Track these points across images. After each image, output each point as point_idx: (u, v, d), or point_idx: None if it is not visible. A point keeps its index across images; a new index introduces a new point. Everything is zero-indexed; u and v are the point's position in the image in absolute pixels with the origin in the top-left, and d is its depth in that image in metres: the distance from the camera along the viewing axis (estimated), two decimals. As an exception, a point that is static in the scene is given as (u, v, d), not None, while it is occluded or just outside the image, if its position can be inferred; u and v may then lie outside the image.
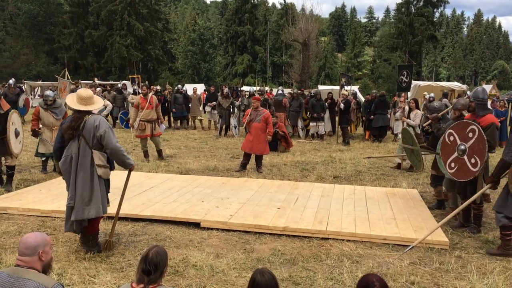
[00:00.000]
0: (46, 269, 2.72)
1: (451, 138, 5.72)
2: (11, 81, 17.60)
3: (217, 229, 5.69)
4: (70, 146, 4.67)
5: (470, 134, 5.44)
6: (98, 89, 17.31)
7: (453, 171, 5.66)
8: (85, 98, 4.69)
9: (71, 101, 4.72)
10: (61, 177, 4.97)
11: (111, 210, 5.12)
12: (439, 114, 6.75)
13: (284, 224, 5.67)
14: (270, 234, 5.56)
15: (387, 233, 5.45)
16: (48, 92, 8.46)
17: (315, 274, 4.42)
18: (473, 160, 5.41)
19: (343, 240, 5.34)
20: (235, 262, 4.68)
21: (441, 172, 6.25)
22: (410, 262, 4.75)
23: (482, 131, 5.30)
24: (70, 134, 4.64)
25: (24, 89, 20.77)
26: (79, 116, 4.67)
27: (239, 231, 5.63)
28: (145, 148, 10.31)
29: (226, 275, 4.35)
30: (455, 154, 5.63)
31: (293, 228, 5.58)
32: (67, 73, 16.57)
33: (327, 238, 5.40)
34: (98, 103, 4.83)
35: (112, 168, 4.92)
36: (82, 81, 23.45)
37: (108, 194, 4.97)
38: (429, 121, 6.90)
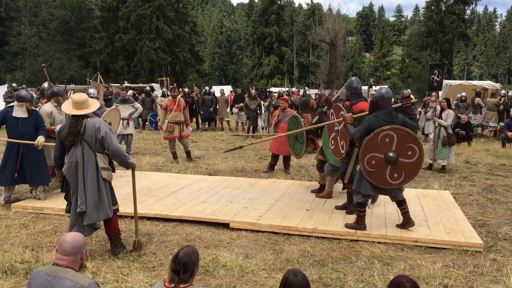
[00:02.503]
0: (80, 268, 2.79)
1: (332, 118, 6.43)
2: (45, 84, 18.11)
3: (246, 230, 5.72)
4: (73, 152, 4.62)
5: (341, 118, 5.95)
6: (130, 92, 17.59)
7: (332, 147, 6.46)
8: (79, 103, 4.61)
9: (67, 106, 4.69)
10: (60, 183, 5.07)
11: (142, 210, 5.21)
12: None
13: (313, 226, 5.65)
14: (299, 235, 5.55)
15: (418, 235, 5.35)
16: (92, 91, 8.62)
17: (345, 276, 4.38)
18: (342, 143, 6.10)
19: (373, 242, 5.28)
20: (265, 262, 4.69)
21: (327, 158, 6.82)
22: (443, 265, 4.65)
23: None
24: (71, 140, 4.59)
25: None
26: (76, 121, 4.61)
27: (268, 232, 5.64)
28: (174, 149, 10.44)
29: (255, 276, 4.36)
30: (333, 134, 6.33)
31: (322, 229, 5.56)
32: (99, 76, 16.96)
33: (357, 240, 5.35)
34: (93, 106, 4.72)
35: (113, 170, 4.92)
36: (112, 84, 23.93)
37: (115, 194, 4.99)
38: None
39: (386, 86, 5.81)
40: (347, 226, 5.57)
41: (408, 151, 5.24)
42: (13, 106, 6.74)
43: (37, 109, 7.27)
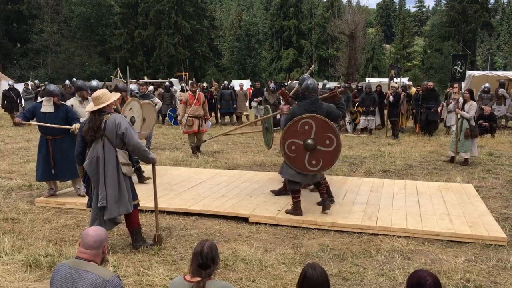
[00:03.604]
0: (102, 261, 2.84)
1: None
2: (68, 81, 18.43)
3: (265, 223, 5.73)
4: (94, 148, 4.67)
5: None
6: (150, 87, 17.77)
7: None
8: (96, 98, 4.65)
9: (90, 106, 4.75)
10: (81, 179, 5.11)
11: (162, 204, 5.26)
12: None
13: (333, 220, 5.62)
14: (318, 229, 5.53)
15: (440, 229, 5.28)
16: (133, 87, 8.67)
17: (365, 270, 4.36)
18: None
19: (393, 236, 5.23)
20: (284, 256, 4.70)
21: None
22: (465, 259, 4.58)
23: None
24: (92, 135, 4.64)
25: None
26: (95, 117, 4.65)
27: (287, 226, 5.64)
28: (193, 144, 10.50)
29: (275, 270, 4.37)
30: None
31: (341, 223, 5.53)
32: (119, 72, 17.13)
33: (377, 234, 5.31)
34: (111, 99, 4.73)
35: (133, 165, 4.96)
36: (132, 80, 24.14)
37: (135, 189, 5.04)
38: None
39: (311, 78, 5.96)
40: (287, 211, 5.86)
41: (326, 140, 5.52)
42: (42, 101, 6.78)
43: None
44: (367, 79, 26.97)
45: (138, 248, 4.88)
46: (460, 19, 51.33)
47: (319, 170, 5.62)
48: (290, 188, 5.86)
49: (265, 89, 16.75)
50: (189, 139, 10.63)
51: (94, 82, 8.60)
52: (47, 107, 6.60)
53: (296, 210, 5.77)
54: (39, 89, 18.30)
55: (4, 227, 5.64)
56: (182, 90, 17.32)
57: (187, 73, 22.34)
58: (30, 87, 18.22)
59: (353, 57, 37.88)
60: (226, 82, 18.71)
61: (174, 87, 19.85)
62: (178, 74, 22.84)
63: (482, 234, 5.10)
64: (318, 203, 6.10)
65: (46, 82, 19.75)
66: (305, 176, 5.68)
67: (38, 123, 6.63)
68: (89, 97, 6.83)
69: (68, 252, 4.75)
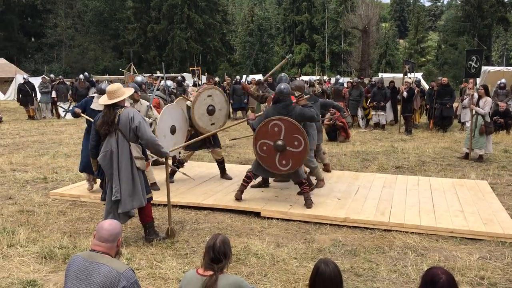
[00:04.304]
0: (116, 254, 2.86)
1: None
2: (82, 76, 18.62)
3: (277, 218, 5.73)
4: (108, 141, 4.70)
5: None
6: (163, 82, 17.80)
7: None
8: (111, 92, 4.67)
9: (103, 99, 4.75)
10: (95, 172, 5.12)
11: (175, 199, 5.28)
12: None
13: (345, 215, 5.60)
14: (331, 224, 5.52)
15: (454, 225, 5.23)
16: (169, 83, 8.61)
17: (378, 266, 4.34)
18: None
19: (406, 232, 5.19)
20: (296, 251, 4.69)
21: None
22: (480, 257, 4.54)
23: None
24: (106, 129, 4.66)
25: (96, 83, 21.69)
26: (109, 111, 4.66)
27: (299, 221, 5.64)
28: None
29: (287, 264, 4.37)
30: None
31: (354, 219, 5.51)
32: (133, 67, 17.22)
33: (390, 230, 5.28)
34: (126, 94, 4.73)
35: (147, 159, 4.98)
36: (145, 74, 24.26)
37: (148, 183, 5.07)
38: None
39: (286, 83, 6.13)
40: (236, 196, 6.20)
41: (294, 141, 5.72)
42: (93, 96, 6.76)
43: None
44: (380, 74, 26.76)
45: (151, 241, 4.92)
46: (476, 13, 50.51)
47: (289, 170, 5.85)
48: (247, 175, 6.19)
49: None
50: None
51: (139, 78, 8.61)
52: (97, 104, 6.41)
53: (240, 192, 6.19)
54: (54, 83, 18.47)
55: (19, 219, 5.73)
56: (195, 85, 17.33)
57: (199, 68, 22.42)
58: (47, 81, 18.38)
59: (366, 52, 37.56)
60: (238, 77, 18.70)
61: (187, 81, 19.90)
62: (190, 68, 22.94)
63: (497, 231, 5.05)
64: (298, 193, 6.37)
65: (60, 76, 19.93)
66: (268, 172, 6.10)
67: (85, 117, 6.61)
68: (140, 99, 6.79)
69: (82, 245, 4.81)
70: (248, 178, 6.21)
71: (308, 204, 5.89)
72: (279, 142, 5.76)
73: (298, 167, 5.87)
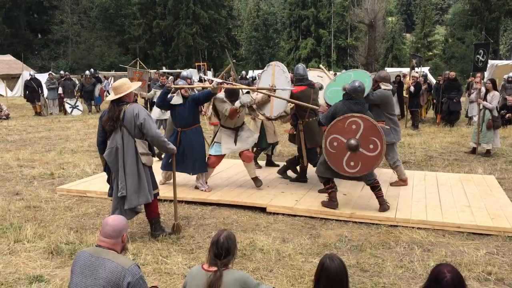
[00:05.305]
0: (123, 250, 2.87)
1: None
2: (88, 72, 18.67)
3: (283, 214, 5.72)
4: (114, 138, 4.70)
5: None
6: (170, 77, 17.82)
7: None
8: (116, 87, 4.67)
9: (110, 96, 4.76)
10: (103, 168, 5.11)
11: (181, 194, 5.28)
12: None
13: (351, 210, 5.58)
14: (336, 220, 5.50)
15: (461, 221, 5.20)
16: (181, 82, 8.63)
17: (384, 262, 4.32)
18: None
19: (413, 227, 5.17)
20: (301, 247, 4.69)
21: None
22: (487, 252, 4.51)
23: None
24: (111, 125, 4.66)
25: (102, 79, 21.75)
26: (114, 107, 4.66)
27: (305, 216, 5.63)
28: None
29: (292, 260, 4.37)
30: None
31: (360, 214, 5.49)
32: (139, 62, 17.22)
33: (396, 226, 5.25)
34: (131, 88, 4.69)
35: (153, 155, 4.95)
36: (151, 70, 24.29)
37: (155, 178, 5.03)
38: None
39: (360, 81, 5.68)
40: (323, 203, 5.75)
41: (370, 144, 5.24)
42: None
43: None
44: (387, 69, 26.60)
45: (157, 237, 4.93)
46: (483, 7, 49.98)
47: (355, 173, 5.39)
48: (321, 181, 5.78)
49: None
50: (215, 129, 10.51)
51: (185, 72, 8.61)
52: (176, 99, 6.36)
53: (332, 201, 5.67)
54: (62, 79, 18.52)
55: (26, 215, 5.76)
56: (200, 81, 17.33)
57: (205, 63, 22.35)
58: (54, 78, 18.45)
59: (373, 47, 37.34)
60: (244, 72, 18.66)
61: (193, 77, 19.88)
62: (196, 64, 22.88)
63: (505, 226, 5.01)
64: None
65: (67, 73, 19.99)
66: (337, 175, 5.53)
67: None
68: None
69: (88, 240, 4.83)
70: (328, 185, 5.69)
71: (383, 208, 5.50)
72: (353, 141, 5.27)
73: (366, 172, 5.36)
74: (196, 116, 6.51)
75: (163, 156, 6.92)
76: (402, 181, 6.86)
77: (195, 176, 6.62)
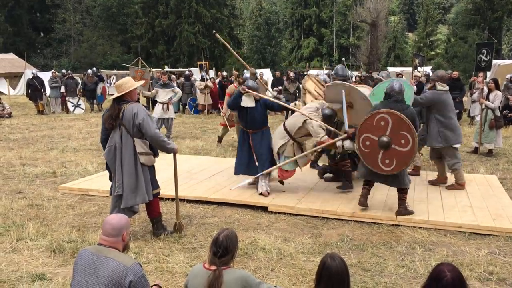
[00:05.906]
0: (125, 248, 2.87)
1: None
2: (90, 71, 18.70)
3: (285, 213, 5.73)
4: (113, 136, 4.71)
5: None
6: (173, 76, 17.87)
7: None
8: (118, 85, 4.68)
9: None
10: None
11: (183, 193, 5.29)
12: None
13: (353, 210, 5.59)
14: (338, 219, 5.51)
15: (462, 220, 5.20)
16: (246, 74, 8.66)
17: (385, 261, 4.32)
18: None
19: (414, 227, 5.17)
20: (303, 246, 4.69)
21: None
22: (489, 252, 4.51)
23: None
24: (110, 124, 4.67)
25: (104, 78, 21.77)
26: (115, 105, 4.67)
27: (307, 215, 5.63)
28: (223, 135, 10.53)
29: (294, 259, 4.37)
30: None
31: (362, 214, 5.49)
32: (141, 61, 17.24)
33: (398, 225, 5.26)
34: (132, 86, 4.69)
35: (156, 154, 4.93)
36: (153, 69, 24.31)
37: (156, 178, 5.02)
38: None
39: (399, 81, 5.54)
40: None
41: (401, 139, 5.09)
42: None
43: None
44: (389, 68, 26.57)
45: (159, 235, 4.94)
46: (486, 6, 49.84)
47: (391, 171, 5.21)
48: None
49: (285, 78, 16.65)
50: (223, 130, 10.53)
51: (247, 73, 8.64)
52: (247, 101, 6.34)
53: (363, 198, 5.53)
54: (65, 77, 18.54)
55: (29, 213, 5.78)
56: (202, 79, 17.34)
57: (207, 62, 22.38)
58: (56, 76, 18.47)
59: (375, 46, 37.35)
60: (245, 71, 18.65)
61: (194, 76, 19.90)
62: (198, 63, 22.92)
63: (507, 226, 5.01)
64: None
65: (69, 71, 20.01)
66: (377, 176, 5.42)
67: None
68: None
69: (90, 238, 4.84)
70: (367, 184, 5.60)
71: (400, 211, 5.39)
72: (384, 138, 5.15)
73: (402, 168, 5.23)
74: (266, 119, 6.56)
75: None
76: (459, 185, 6.59)
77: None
